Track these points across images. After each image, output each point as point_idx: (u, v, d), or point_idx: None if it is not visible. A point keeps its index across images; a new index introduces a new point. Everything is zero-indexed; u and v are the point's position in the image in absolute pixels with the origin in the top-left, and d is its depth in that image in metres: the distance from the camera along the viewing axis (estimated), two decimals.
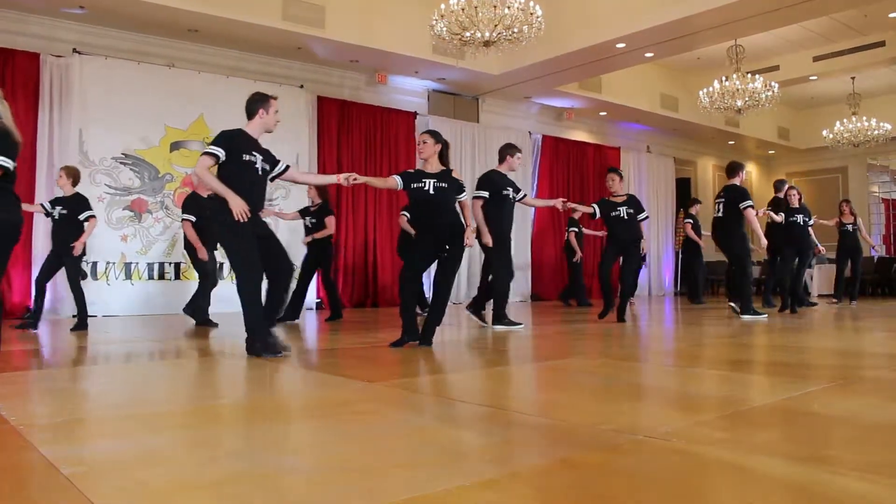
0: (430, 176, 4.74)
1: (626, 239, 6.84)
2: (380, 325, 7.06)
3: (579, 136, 14.10)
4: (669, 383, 3.32)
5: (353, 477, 1.70)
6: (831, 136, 13.67)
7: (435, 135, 4.85)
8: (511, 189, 6.21)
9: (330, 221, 7.28)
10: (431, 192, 4.68)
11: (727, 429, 2.18)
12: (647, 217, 6.99)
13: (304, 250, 7.49)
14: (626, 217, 6.83)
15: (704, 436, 2.07)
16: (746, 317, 7.08)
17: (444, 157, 4.83)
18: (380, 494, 1.56)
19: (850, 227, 10.02)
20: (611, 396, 2.94)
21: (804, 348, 4.70)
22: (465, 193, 4.88)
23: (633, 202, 6.96)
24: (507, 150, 6.36)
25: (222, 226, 4.13)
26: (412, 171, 4.87)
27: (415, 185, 4.71)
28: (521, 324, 6.29)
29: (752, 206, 7.18)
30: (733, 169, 7.45)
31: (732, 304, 7.77)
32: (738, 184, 7.33)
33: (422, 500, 1.51)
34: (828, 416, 2.41)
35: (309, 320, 7.86)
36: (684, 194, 15.09)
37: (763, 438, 2.09)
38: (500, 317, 6.17)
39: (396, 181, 4.77)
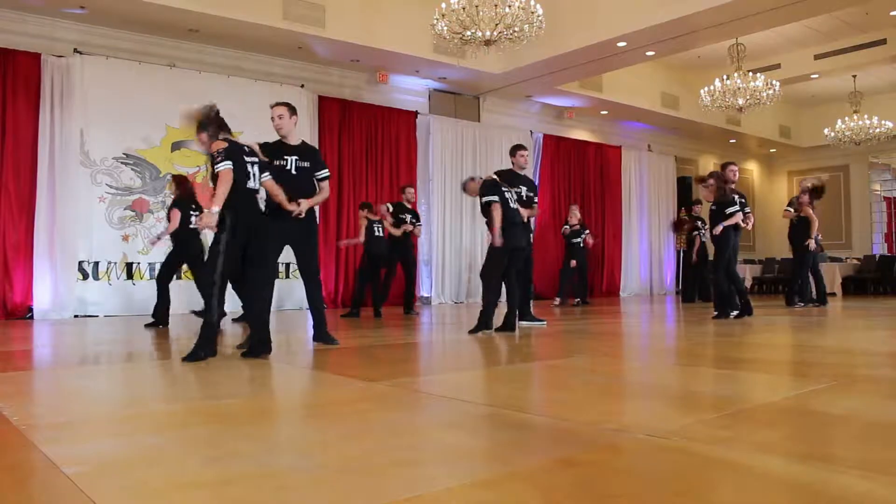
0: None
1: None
2: (381, 324, 7.06)
3: (580, 135, 14.09)
4: (670, 382, 3.32)
5: (355, 476, 1.70)
6: (833, 134, 13.65)
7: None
8: (520, 190, 5.97)
9: (173, 215, 6.52)
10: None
11: (728, 427, 2.17)
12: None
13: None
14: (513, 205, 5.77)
15: (706, 434, 2.07)
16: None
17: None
18: (381, 494, 1.56)
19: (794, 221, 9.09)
20: (611, 395, 2.94)
21: (805, 346, 4.69)
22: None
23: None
24: (510, 152, 6.31)
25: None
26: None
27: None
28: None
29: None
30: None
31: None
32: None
33: (423, 499, 1.51)
34: (829, 414, 2.41)
35: (309, 320, 7.86)
36: (685, 193, 15.08)
37: (764, 437, 2.09)
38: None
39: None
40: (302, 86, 10.09)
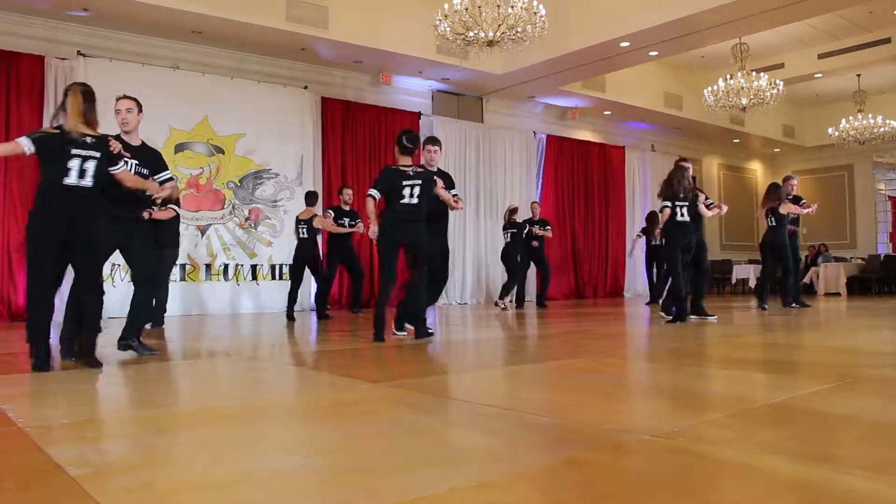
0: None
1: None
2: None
3: (583, 135, 14.08)
4: (674, 382, 3.31)
5: (359, 477, 1.70)
6: (837, 133, 13.62)
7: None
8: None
9: None
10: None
11: (733, 428, 2.17)
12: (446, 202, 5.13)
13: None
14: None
15: (710, 435, 2.07)
16: (669, 317, 6.65)
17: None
18: (385, 494, 1.56)
19: (771, 221, 8.45)
20: (616, 396, 2.94)
21: (809, 346, 4.68)
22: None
23: (424, 176, 5.10)
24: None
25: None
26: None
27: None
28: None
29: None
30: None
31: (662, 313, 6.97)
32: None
33: (427, 499, 1.51)
34: (834, 414, 2.40)
35: (312, 320, 7.87)
36: None
37: (769, 437, 2.09)
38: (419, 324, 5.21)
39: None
40: (305, 87, 10.10)
